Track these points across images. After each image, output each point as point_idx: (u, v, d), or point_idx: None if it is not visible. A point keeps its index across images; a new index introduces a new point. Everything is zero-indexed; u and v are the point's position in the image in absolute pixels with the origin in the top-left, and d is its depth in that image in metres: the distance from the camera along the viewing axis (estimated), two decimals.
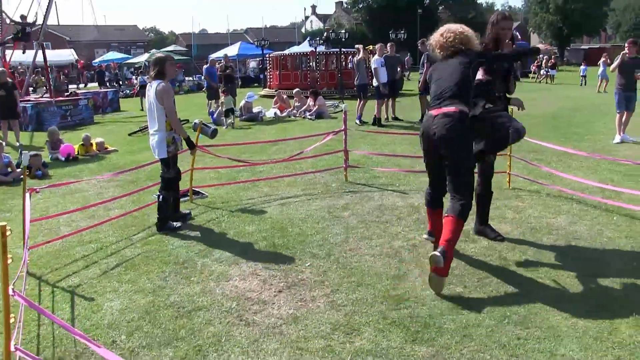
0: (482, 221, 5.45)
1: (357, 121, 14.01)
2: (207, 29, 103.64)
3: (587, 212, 6.15)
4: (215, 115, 15.88)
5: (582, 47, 71.15)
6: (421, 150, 4.73)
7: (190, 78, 37.14)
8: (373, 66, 13.70)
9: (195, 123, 6.83)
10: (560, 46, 66.68)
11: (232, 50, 37.62)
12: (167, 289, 4.45)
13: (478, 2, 70.04)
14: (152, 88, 5.77)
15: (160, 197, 5.96)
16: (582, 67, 30.74)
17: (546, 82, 31.39)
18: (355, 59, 15.10)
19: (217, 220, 6.29)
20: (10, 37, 16.64)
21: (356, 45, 15.97)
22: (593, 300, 4.04)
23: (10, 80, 13.44)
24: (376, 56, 13.97)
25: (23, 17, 16.63)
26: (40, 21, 17.63)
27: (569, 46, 69.50)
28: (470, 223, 5.37)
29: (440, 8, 68.57)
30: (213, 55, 27.43)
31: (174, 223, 6.03)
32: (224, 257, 5.11)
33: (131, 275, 4.77)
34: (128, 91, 30.17)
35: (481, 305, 4.00)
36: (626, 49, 10.78)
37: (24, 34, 16.09)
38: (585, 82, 28.90)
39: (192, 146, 6.22)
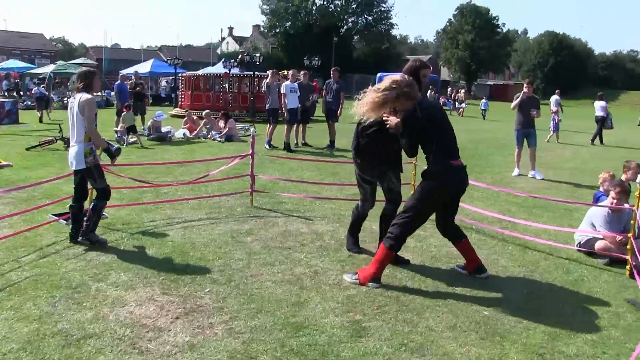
0: None
1: (267, 145, 13.98)
2: (120, 44, 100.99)
3: (485, 242, 6.42)
4: (118, 134, 15.32)
5: (488, 82, 76.00)
6: (429, 200, 4.93)
7: (99, 93, 35.76)
8: (282, 91, 13.72)
9: None
10: (468, 80, 70.77)
11: (145, 67, 36.65)
12: (56, 316, 4.17)
13: (392, 33, 72.63)
14: (75, 100, 5.72)
15: (96, 204, 5.93)
16: (483, 101, 32.49)
17: (454, 115, 32.86)
18: (264, 82, 15.19)
19: (116, 242, 6.02)
20: None
21: (268, 71, 16.05)
22: (486, 328, 4.19)
23: None
24: (287, 82, 14.08)
25: None
26: None
27: (476, 81, 73.78)
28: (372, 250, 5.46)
29: (356, 37, 70.49)
30: (124, 71, 26.71)
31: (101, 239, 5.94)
32: (120, 281, 4.88)
33: (15, 300, 4.43)
34: (29, 102, 28.53)
35: (379, 333, 4.04)
36: (525, 88, 11.38)
37: None
38: (485, 116, 30.51)
39: (112, 156, 6.21)
